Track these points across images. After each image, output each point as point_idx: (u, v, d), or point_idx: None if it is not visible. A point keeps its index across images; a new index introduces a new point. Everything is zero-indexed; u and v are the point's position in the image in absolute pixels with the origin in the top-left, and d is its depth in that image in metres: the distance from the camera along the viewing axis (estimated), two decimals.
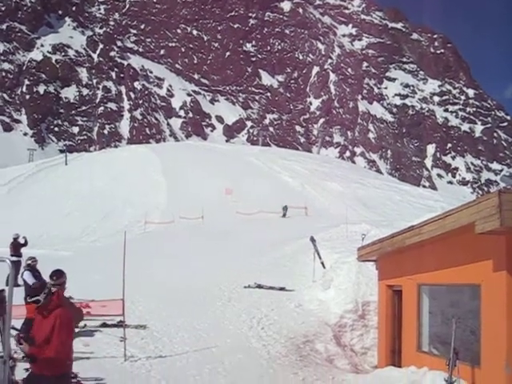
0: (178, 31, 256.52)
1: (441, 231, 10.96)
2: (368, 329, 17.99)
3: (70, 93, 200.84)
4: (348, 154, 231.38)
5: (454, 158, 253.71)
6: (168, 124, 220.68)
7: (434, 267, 12.56)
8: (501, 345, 9.65)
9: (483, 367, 10.33)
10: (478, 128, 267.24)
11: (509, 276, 9.56)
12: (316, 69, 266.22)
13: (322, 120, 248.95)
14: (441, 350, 12.41)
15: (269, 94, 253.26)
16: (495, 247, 9.86)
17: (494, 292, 9.98)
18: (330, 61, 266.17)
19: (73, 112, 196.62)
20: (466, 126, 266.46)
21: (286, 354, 15.02)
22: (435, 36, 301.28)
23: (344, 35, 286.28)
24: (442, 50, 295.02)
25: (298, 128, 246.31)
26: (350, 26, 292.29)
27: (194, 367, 13.27)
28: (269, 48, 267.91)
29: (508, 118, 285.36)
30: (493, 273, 9.94)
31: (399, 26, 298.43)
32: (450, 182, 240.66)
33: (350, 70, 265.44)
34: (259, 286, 20.76)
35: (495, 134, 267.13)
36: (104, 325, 16.06)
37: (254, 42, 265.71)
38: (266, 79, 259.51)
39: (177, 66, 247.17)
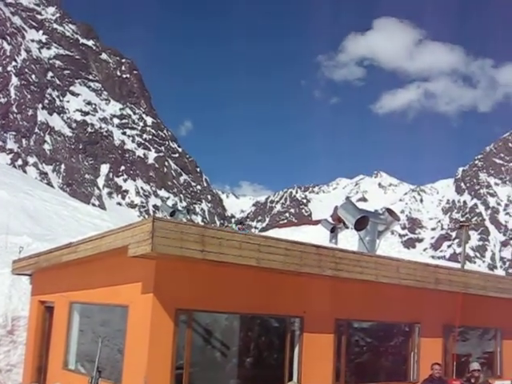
0: None
1: (97, 251, 11.13)
2: (16, 345, 17.38)
3: None
4: (20, 162, 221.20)
5: (125, 180, 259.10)
6: None
7: (88, 286, 12.71)
8: (142, 362, 10.12)
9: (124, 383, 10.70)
10: (152, 155, 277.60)
11: (155, 298, 10.14)
12: None
13: None
14: (88, 368, 12.53)
15: None
16: (145, 271, 10.36)
17: (141, 313, 10.47)
18: (14, 63, 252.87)
19: None
20: (140, 152, 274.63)
21: None
22: (123, 60, 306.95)
23: (33, 40, 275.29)
24: (128, 75, 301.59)
25: None
26: (41, 32, 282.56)
27: None
28: None
29: (180, 150, 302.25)
30: (141, 295, 10.43)
31: (90, 43, 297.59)
32: (119, 204, 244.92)
33: (34, 76, 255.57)
34: None
35: (166, 163, 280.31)
36: None
37: None
38: None
39: None
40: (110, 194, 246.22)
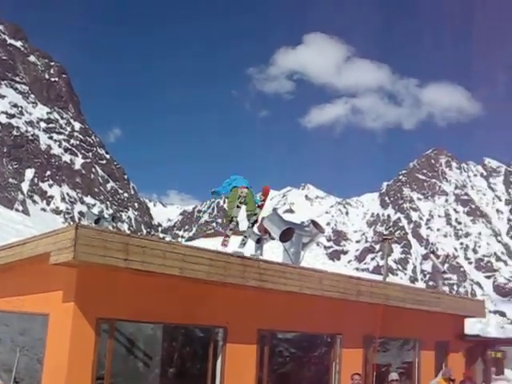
0: None
1: (18, 258, 10.84)
2: None
3: None
4: None
5: (51, 186, 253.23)
6: None
7: (7, 293, 12.35)
8: (62, 371, 9.90)
9: None
10: (79, 161, 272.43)
11: (76, 307, 9.94)
12: None
13: None
14: (5, 379, 12.17)
15: None
16: (67, 279, 10.15)
17: (61, 322, 10.23)
18: None
19: None
20: (67, 157, 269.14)
21: None
22: (52, 63, 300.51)
23: None
24: (57, 79, 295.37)
25: None
26: None
27: None
28: None
29: (107, 156, 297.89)
30: (62, 303, 10.21)
31: (18, 44, 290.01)
32: (44, 210, 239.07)
33: None
34: None
35: (93, 170, 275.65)
36: None
37: None
38: None
39: None
40: (32, 199, 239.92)
